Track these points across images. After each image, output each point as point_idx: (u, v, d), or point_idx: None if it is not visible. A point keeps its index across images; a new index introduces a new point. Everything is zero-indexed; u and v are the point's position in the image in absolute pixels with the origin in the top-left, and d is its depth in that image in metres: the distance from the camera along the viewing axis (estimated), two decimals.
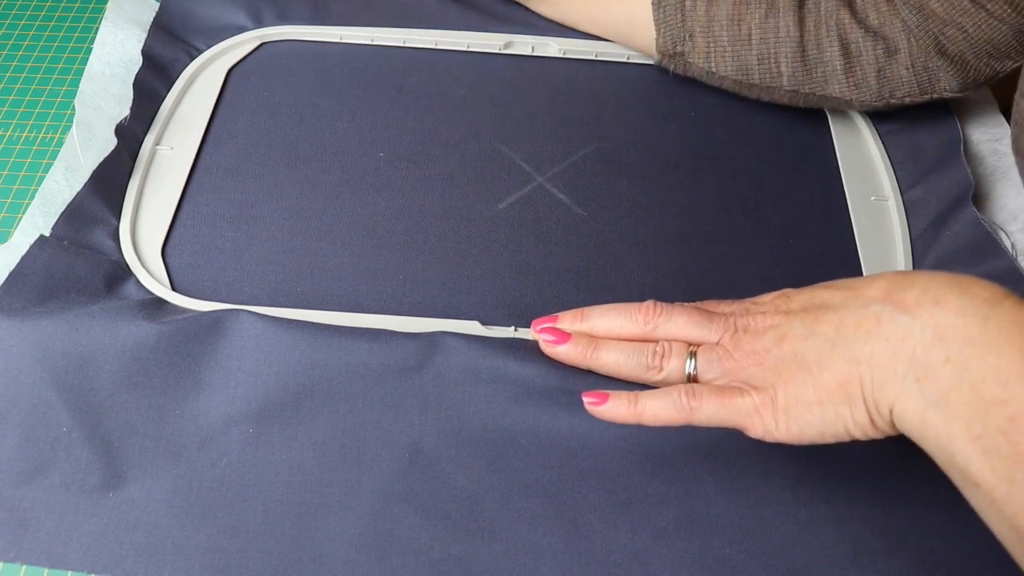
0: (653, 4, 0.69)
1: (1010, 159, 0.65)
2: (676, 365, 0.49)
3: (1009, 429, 0.37)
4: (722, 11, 0.67)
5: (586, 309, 0.53)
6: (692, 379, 0.49)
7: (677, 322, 0.50)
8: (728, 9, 0.67)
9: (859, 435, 0.43)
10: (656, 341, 0.50)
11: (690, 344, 0.49)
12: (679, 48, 0.69)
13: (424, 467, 0.50)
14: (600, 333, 0.52)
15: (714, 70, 0.69)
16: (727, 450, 0.50)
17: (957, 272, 0.50)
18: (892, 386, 0.41)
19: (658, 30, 0.69)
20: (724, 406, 0.46)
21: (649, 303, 0.51)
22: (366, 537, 0.47)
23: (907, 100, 0.66)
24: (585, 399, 0.48)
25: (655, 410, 0.47)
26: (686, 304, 0.52)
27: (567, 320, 0.53)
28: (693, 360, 0.49)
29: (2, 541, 0.46)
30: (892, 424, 0.42)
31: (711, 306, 0.51)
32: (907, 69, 0.65)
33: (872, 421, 0.42)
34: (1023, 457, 0.37)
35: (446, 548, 0.47)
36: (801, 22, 0.66)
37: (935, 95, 0.66)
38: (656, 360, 0.50)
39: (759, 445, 0.45)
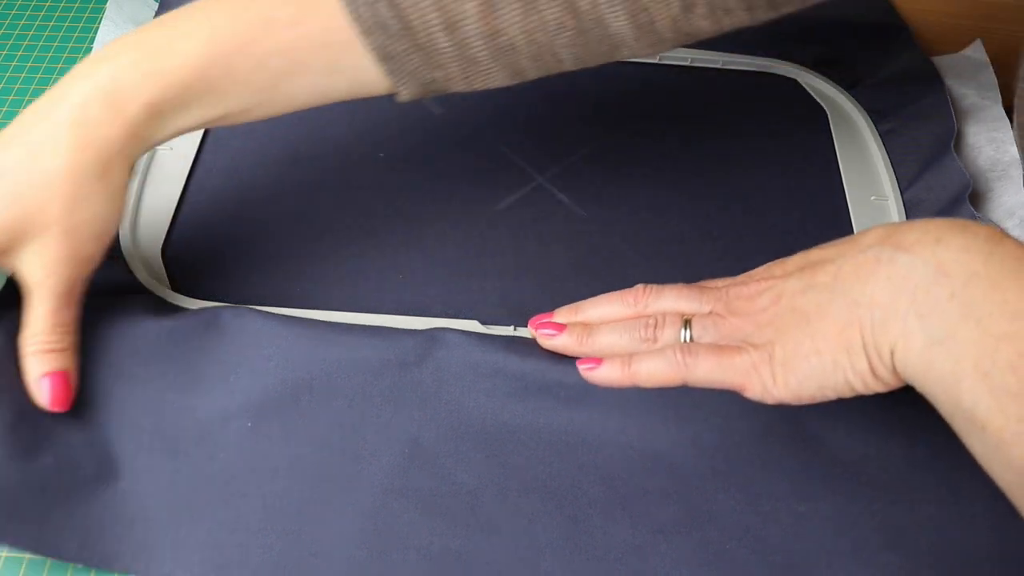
0: (378, 59, 0.49)
1: (1010, 157, 0.65)
2: (670, 335, 0.48)
3: (1018, 365, 0.36)
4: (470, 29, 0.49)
5: (580, 302, 0.53)
6: None
7: (668, 298, 0.49)
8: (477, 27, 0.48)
9: (859, 386, 0.42)
10: (650, 315, 0.50)
11: (684, 315, 0.48)
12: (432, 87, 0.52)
13: (423, 462, 0.49)
14: (595, 322, 0.52)
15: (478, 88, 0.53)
16: (726, 445, 0.50)
17: None
18: (894, 325, 0.40)
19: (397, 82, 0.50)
20: (720, 364, 0.44)
21: (639, 286, 0.51)
22: (365, 532, 0.47)
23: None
24: (580, 366, 0.48)
25: (650, 370, 0.46)
26: (678, 283, 0.51)
27: (562, 314, 0.53)
28: (688, 330, 0.47)
29: None
30: (894, 371, 0.41)
31: (705, 284, 0.50)
32: (705, 19, 0.51)
33: (872, 368, 0.41)
34: None
35: (446, 543, 0.47)
36: (573, 8, 0.48)
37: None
38: (649, 332, 0.49)
39: (758, 439, 0.45)
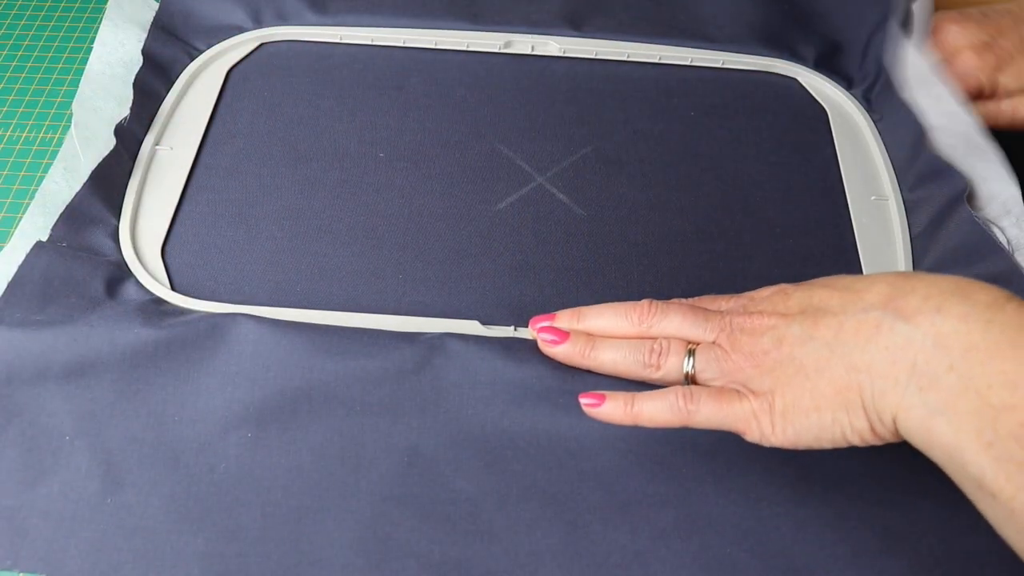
0: None
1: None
2: (674, 363, 0.49)
3: (1021, 435, 0.36)
4: None
5: (583, 308, 0.53)
6: (690, 378, 0.49)
7: (672, 321, 0.50)
8: None
9: (857, 441, 0.43)
10: (654, 339, 0.50)
11: (688, 342, 0.49)
12: None
13: (423, 470, 0.49)
14: (596, 332, 0.52)
15: None
16: (726, 450, 0.50)
17: (956, 272, 0.50)
18: (893, 395, 0.40)
19: None
20: (721, 410, 0.45)
21: (644, 302, 0.51)
22: (365, 541, 0.47)
23: None
24: (582, 400, 0.49)
25: (652, 412, 0.47)
26: (683, 301, 0.52)
27: (564, 319, 0.53)
28: (691, 359, 0.48)
29: (1, 549, 0.46)
30: (894, 432, 0.41)
31: (707, 302, 0.51)
32: None
33: (872, 428, 0.42)
34: None
35: (445, 551, 0.47)
36: None
37: None
38: (653, 358, 0.50)
39: (758, 445, 0.45)
